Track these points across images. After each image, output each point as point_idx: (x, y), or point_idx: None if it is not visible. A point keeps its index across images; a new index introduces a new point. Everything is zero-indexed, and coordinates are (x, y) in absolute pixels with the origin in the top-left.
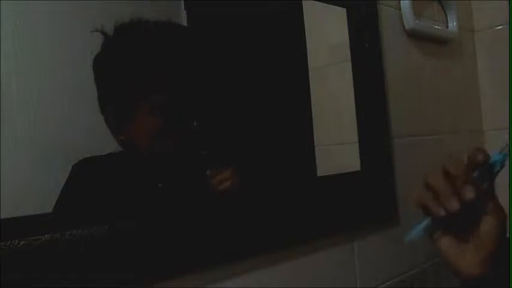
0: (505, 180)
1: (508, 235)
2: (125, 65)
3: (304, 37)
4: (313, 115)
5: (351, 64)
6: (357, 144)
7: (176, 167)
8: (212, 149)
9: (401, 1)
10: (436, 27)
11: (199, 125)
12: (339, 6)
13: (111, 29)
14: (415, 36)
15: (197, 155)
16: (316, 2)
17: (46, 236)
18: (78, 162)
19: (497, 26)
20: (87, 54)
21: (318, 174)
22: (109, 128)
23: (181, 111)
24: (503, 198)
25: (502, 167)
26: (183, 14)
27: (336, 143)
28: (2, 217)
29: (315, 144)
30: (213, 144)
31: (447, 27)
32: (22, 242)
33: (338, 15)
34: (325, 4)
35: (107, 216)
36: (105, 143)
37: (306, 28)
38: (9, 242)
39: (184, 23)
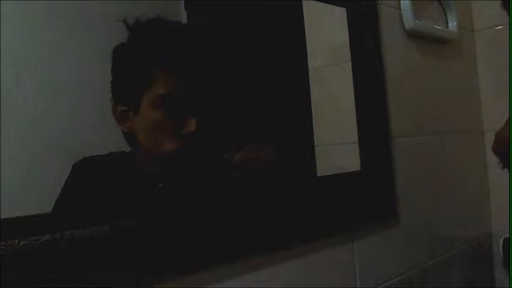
0: (505, 180)
1: None
2: (138, 56)
3: (304, 37)
4: (313, 115)
5: (351, 64)
6: (357, 144)
7: (175, 165)
8: (212, 148)
9: (401, 1)
10: (436, 27)
11: (200, 122)
12: (339, 6)
13: (132, 21)
14: (415, 36)
15: (198, 154)
16: (316, 2)
17: (46, 236)
18: (78, 162)
19: (497, 26)
20: (87, 54)
21: (318, 174)
22: (114, 117)
23: (184, 109)
24: (503, 198)
25: None
26: (183, 14)
27: (336, 143)
28: (2, 217)
29: (315, 144)
30: (212, 143)
31: (447, 27)
32: (22, 242)
33: (338, 15)
34: (325, 4)
35: (107, 216)
36: (105, 143)
37: (306, 28)
38: (9, 242)
39: (184, 23)
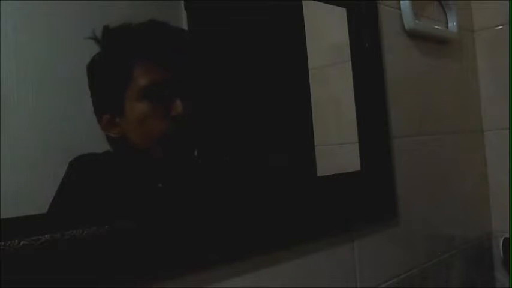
0: (505, 180)
1: None
2: (112, 62)
3: (304, 37)
4: (313, 115)
5: (351, 64)
6: (357, 144)
7: (171, 152)
8: (208, 149)
9: (401, 1)
10: (436, 27)
11: (187, 104)
12: (339, 6)
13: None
14: (415, 36)
15: (191, 137)
16: (316, 2)
17: (46, 236)
18: (75, 159)
19: (497, 26)
20: (87, 53)
21: (318, 174)
22: (101, 127)
23: (168, 93)
24: (503, 198)
25: None
26: (183, 14)
27: (336, 143)
28: (2, 217)
29: (315, 144)
30: (210, 144)
31: (447, 27)
32: (22, 242)
33: (338, 15)
34: (325, 4)
35: (106, 216)
36: (104, 143)
37: (306, 28)
38: (9, 242)
39: (185, 23)
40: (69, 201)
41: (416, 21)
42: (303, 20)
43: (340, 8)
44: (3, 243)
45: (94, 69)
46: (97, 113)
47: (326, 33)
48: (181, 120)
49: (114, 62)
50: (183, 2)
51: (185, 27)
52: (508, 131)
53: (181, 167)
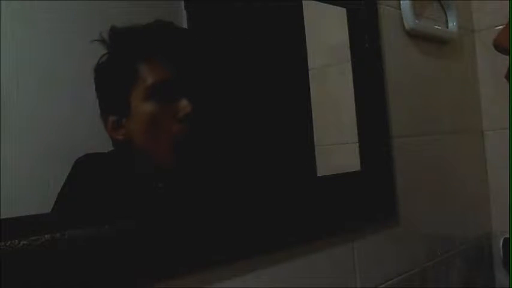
0: (505, 180)
1: None
2: (119, 62)
3: (304, 37)
4: (313, 115)
5: (351, 64)
6: (357, 144)
7: (179, 153)
8: (209, 150)
9: (401, 1)
10: (436, 27)
11: (195, 104)
12: (339, 6)
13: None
14: (415, 36)
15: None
16: (316, 2)
17: (46, 236)
18: (80, 158)
19: (497, 26)
20: (88, 53)
21: (318, 174)
22: (107, 130)
23: (175, 92)
24: (503, 198)
25: None
26: (183, 14)
27: (336, 143)
28: (2, 217)
29: (315, 144)
30: (210, 144)
31: (447, 27)
32: (22, 242)
33: (338, 15)
34: (325, 4)
35: (107, 216)
36: (105, 143)
37: (306, 28)
38: (9, 242)
39: (184, 22)
40: (71, 201)
41: (416, 21)
42: (303, 20)
43: (340, 8)
44: (3, 243)
45: (100, 71)
46: (103, 116)
47: (326, 33)
48: (188, 121)
49: (121, 63)
50: (183, 2)
51: (185, 27)
52: (508, 131)
53: (188, 168)
